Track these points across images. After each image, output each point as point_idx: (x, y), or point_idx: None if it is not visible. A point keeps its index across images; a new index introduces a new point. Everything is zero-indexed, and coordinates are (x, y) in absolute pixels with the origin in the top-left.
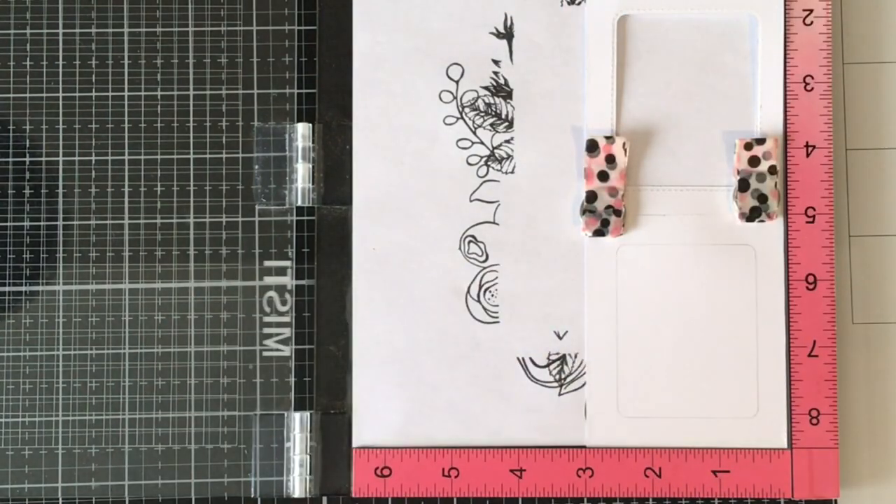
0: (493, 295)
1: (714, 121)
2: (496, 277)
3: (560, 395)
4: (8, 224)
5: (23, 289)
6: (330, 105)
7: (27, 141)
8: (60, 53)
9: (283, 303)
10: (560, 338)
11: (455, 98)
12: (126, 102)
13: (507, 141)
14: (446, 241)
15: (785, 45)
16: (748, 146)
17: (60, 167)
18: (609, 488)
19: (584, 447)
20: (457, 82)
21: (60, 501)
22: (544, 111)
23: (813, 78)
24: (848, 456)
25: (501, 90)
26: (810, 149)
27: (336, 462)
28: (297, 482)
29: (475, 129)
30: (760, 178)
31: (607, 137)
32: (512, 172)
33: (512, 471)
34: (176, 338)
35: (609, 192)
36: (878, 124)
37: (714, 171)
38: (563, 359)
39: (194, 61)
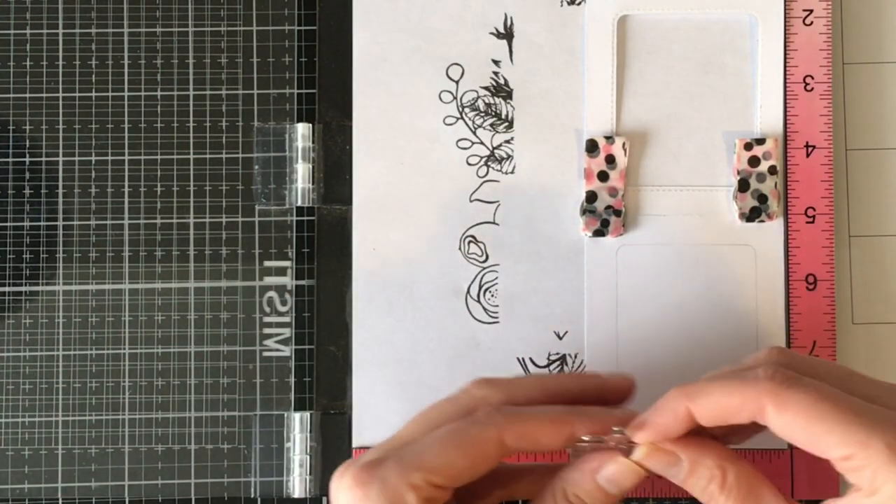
0: (493, 295)
1: (714, 121)
2: (496, 277)
3: None
4: (8, 224)
5: (23, 289)
6: (330, 105)
7: (27, 141)
8: (60, 53)
9: (283, 303)
10: (560, 338)
11: (455, 98)
12: (126, 102)
13: (507, 141)
14: (446, 241)
15: (785, 45)
16: (748, 146)
17: (60, 167)
18: None
19: None
20: (457, 82)
21: (60, 501)
22: (544, 111)
23: (813, 78)
24: None
25: (501, 90)
26: (810, 149)
27: (336, 462)
28: (297, 482)
29: (475, 129)
30: (760, 178)
31: (607, 137)
32: (512, 172)
33: None
34: (176, 338)
35: (609, 192)
36: (878, 124)
37: (714, 171)
38: (563, 359)
39: (194, 61)
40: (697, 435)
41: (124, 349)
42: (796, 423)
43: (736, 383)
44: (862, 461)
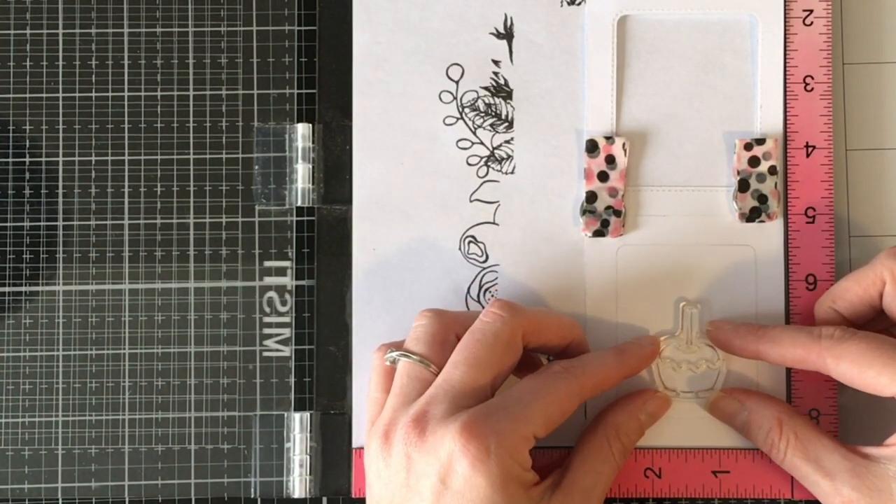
0: (493, 295)
1: (714, 121)
2: (496, 277)
3: None
4: (8, 224)
5: (23, 289)
6: (330, 105)
7: (27, 141)
8: (60, 53)
9: (283, 303)
10: None
11: (455, 98)
12: (126, 102)
13: (507, 141)
14: (446, 241)
15: (785, 45)
16: (748, 146)
17: (60, 167)
18: (609, 489)
19: None
20: (457, 82)
21: (60, 501)
22: (544, 111)
23: (813, 78)
24: None
25: (501, 90)
26: (810, 149)
27: (336, 462)
28: (297, 482)
29: (475, 129)
30: (760, 178)
31: (607, 138)
32: (512, 173)
33: None
34: (176, 338)
35: (609, 193)
36: (878, 124)
37: (714, 171)
38: None
39: (194, 61)
40: (761, 392)
41: (124, 349)
42: (852, 371)
43: (802, 337)
44: None
